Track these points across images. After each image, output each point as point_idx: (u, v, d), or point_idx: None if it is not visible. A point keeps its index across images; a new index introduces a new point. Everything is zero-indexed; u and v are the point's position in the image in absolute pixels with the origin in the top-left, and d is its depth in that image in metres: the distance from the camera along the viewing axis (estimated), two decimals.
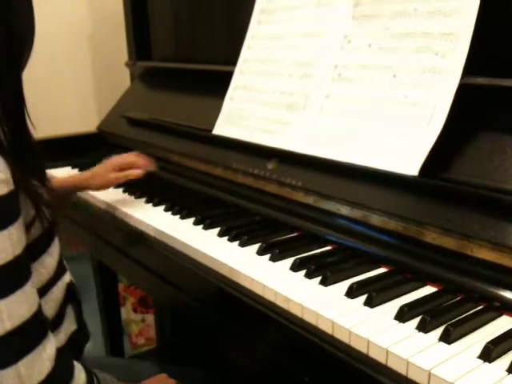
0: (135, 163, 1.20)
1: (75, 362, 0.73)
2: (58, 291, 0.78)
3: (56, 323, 0.77)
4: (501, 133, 0.81)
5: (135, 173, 1.19)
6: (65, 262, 0.83)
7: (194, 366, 1.13)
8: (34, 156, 0.76)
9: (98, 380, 0.76)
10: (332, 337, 0.71)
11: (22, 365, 0.63)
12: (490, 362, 0.62)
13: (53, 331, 0.73)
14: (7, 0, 0.68)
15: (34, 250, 0.71)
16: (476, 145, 0.83)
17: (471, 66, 0.83)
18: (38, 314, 0.66)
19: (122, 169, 1.19)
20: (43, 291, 0.73)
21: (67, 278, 0.82)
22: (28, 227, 0.70)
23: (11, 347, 0.63)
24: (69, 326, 0.81)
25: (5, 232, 0.62)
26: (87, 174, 1.20)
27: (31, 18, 0.74)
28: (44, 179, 0.78)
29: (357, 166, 0.92)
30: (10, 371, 0.62)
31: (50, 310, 0.75)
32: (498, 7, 0.85)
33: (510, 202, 0.74)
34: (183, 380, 0.95)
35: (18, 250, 0.64)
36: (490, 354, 0.62)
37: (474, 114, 0.86)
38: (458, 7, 0.85)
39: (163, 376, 0.93)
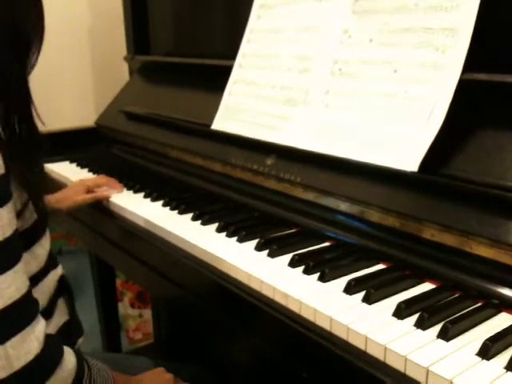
0: (104, 185, 1.26)
1: (65, 346, 0.72)
2: (49, 283, 0.79)
3: (47, 314, 0.77)
4: (501, 129, 0.81)
5: (104, 193, 1.23)
6: (61, 256, 0.84)
7: (191, 362, 1.13)
8: (39, 150, 0.77)
9: (88, 365, 0.75)
10: (330, 333, 0.71)
11: (11, 344, 0.63)
12: (488, 360, 0.62)
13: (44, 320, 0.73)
14: (14, 4, 0.69)
15: (25, 240, 0.72)
16: (476, 141, 0.82)
17: (472, 62, 0.83)
18: (28, 296, 0.67)
19: (90, 191, 1.24)
20: (33, 282, 0.73)
21: (59, 271, 0.84)
22: (18, 215, 0.70)
23: (0, 326, 0.63)
24: (60, 318, 0.82)
25: None
26: (59, 195, 1.23)
27: (40, 22, 0.74)
28: (40, 170, 0.79)
29: (356, 161, 0.92)
30: None
31: (40, 299, 0.75)
32: (498, 2, 0.84)
33: (509, 198, 0.73)
34: (179, 375, 0.94)
35: (9, 231, 0.65)
36: (488, 351, 0.62)
37: (474, 110, 0.85)
38: (459, 2, 0.84)
39: (160, 370, 0.92)
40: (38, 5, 0.75)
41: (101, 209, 1.24)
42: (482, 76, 0.82)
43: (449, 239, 0.78)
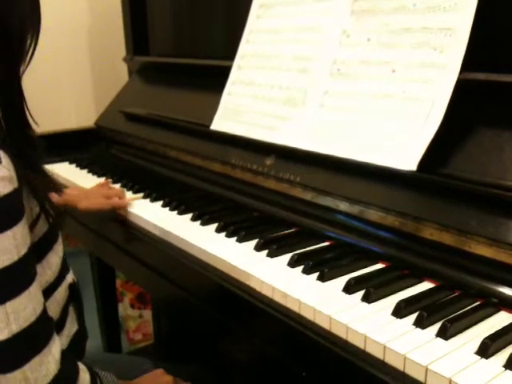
0: (120, 194, 1.22)
1: (79, 363, 0.72)
2: (61, 292, 0.76)
3: (59, 325, 0.76)
4: (499, 128, 0.81)
5: (121, 203, 1.18)
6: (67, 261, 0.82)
7: (191, 362, 1.13)
8: (34, 150, 0.75)
9: (100, 380, 0.75)
10: (329, 332, 0.71)
11: (29, 367, 0.62)
12: (487, 358, 0.62)
13: (57, 333, 0.71)
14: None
15: (39, 249, 0.70)
16: (474, 140, 0.83)
17: (470, 62, 0.83)
18: (44, 315, 0.65)
19: (108, 197, 1.20)
20: (48, 293, 0.72)
21: (70, 277, 0.81)
22: (32, 225, 0.68)
23: (18, 350, 0.61)
24: (71, 327, 0.79)
25: (9, 232, 0.60)
26: (76, 192, 1.21)
27: (34, 13, 0.70)
28: (44, 173, 0.77)
29: (355, 161, 0.92)
30: (16, 374, 0.61)
31: (53, 312, 0.73)
32: (496, 2, 0.84)
33: (508, 198, 0.74)
34: (179, 376, 0.94)
35: (23, 250, 0.62)
36: (487, 349, 0.62)
37: (472, 110, 0.86)
38: (457, 2, 0.85)
39: (160, 372, 0.92)
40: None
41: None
42: (480, 75, 0.82)
43: (448, 238, 0.79)
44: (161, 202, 1.17)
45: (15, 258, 0.61)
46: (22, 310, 0.61)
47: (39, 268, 0.67)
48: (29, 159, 0.72)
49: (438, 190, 0.82)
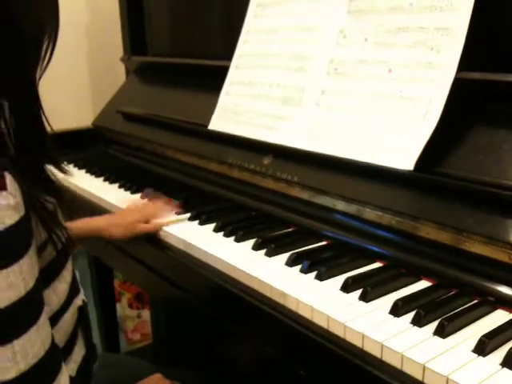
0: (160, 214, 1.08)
1: None
2: (68, 317, 0.71)
3: (67, 351, 0.71)
4: (496, 127, 0.81)
5: (163, 222, 1.05)
6: (78, 281, 0.77)
7: (189, 362, 1.12)
8: (52, 162, 0.70)
9: None
10: (327, 331, 0.71)
11: None
12: (484, 356, 0.62)
13: (64, 360, 0.68)
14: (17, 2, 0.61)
15: (46, 275, 0.65)
16: (471, 140, 0.83)
17: (467, 61, 0.83)
18: (52, 348, 0.61)
19: (146, 220, 1.06)
20: (53, 320, 0.67)
21: (79, 300, 0.75)
22: (41, 250, 0.64)
23: None
24: (79, 351, 0.74)
25: (15, 267, 0.56)
26: (107, 220, 1.08)
27: (52, 20, 0.66)
28: (63, 169, 0.73)
29: (352, 161, 0.92)
30: None
31: (60, 338, 0.69)
32: (493, 2, 0.85)
33: (504, 196, 0.74)
34: (178, 380, 0.93)
35: (31, 283, 0.58)
36: (484, 347, 0.63)
37: (469, 109, 0.86)
38: (454, 2, 0.85)
39: (158, 376, 0.92)
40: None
41: (98, 209, 1.24)
42: (477, 75, 0.82)
43: (445, 237, 0.79)
44: None
45: (22, 292, 0.57)
46: (30, 347, 0.57)
47: (45, 295, 0.63)
48: (40, 176, 0.67)
49: (435, 189, 0.82)
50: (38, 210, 0.62)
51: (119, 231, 1.04)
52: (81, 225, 1.05)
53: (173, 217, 1.08)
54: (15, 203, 0.56)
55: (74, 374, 0.72)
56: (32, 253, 0.59)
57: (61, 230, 0.67)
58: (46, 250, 0.65)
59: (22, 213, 0.57)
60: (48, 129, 0.68)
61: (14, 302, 0.56)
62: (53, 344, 0.62)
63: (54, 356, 0.62)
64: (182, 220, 1.07)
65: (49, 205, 0.67)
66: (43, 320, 0.60)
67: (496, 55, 0.86)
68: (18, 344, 0.56)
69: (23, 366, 0.57)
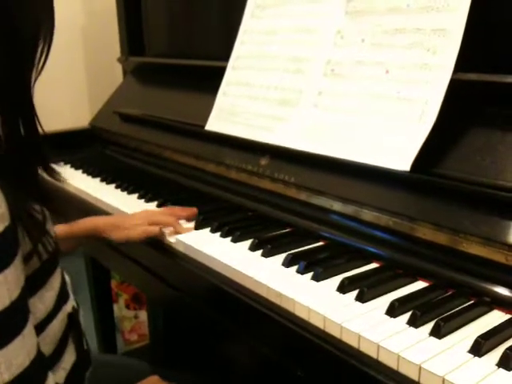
0: (171, 225, 1.02)
1: None
2: (56, 324, 0.69)
3: (55, 359, 0.69)
4: (492, 129, 0.82)
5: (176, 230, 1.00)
6: (68, 287, 0.75)
7: (186, 363, 1.12)
8: (40, 155, 0.69)
9: None
10: (324, 332, 0.71)
11: None
12: (480, 357, 0.62)
13: (51, 368, 0.67)
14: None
15: (33, 283, 0.63)
16: (468, 141, 0.83)
17: (463, 62, 0.83)
18: (38, 358, 0.60)
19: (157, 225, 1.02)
20: (40, 328, 0.65)
21: (68, 307, 0.73)
22: (27, 259, 0.62)
23: None
24: (69, 358, 0.73)
25: (0, 277, 0.55)
26: (109, 221, 1.05)
27: (48, 21, 0.65)
28: (54, 175, 0.71)
29: (349, 161, 0.92)
30: None
31: (47, 346, 0.66)
32: (489, 2, 0.85)
33: (501, 197, 0.74)
34: (175, 382, 0.93)
35: (16, 292, 0.57)
36: (480, 348, 0.63)
37: (465, 110, 0.86)
38: (450, 3, 0.85)
39: (155, 379, 0.91)
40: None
41: (95, 210, 1.24)
42: (473, 76, 0.82)
43: (441, 238, 0.79)
44: (155, 203, 1.17)
45: (7, 302, 0.56)
46: (14, 358, 0.56)
47: (30, 303, 0.61)
48: (31, 182, 0.66)
49: (432, 190, 0.82)
50: (24, 221, 0.61)
51: (118, 232, 1.02)
52: (81, 224, 1.04)
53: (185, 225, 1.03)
54: (0, 213, 0.55)
55: (62, 381, 0.70)
56: (18, 262, 0.58)
57: (48, 240, 0.66)
58: (32, 259, 0.63)
59: (7, 223, 0.56)
60: (40, 131, 0.67)
61: None
62: (38, 353, 0.60)
63: (40, 366, 0.61)
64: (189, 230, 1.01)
65: (37, 214, 0.65)
66: (28, 330, 0.59)
67: (493, 56, 0.86)
68: (1, 355, 0.55)
69: (7, 377, 0.56)
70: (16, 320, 0.57)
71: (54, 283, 0.69)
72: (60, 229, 0.98)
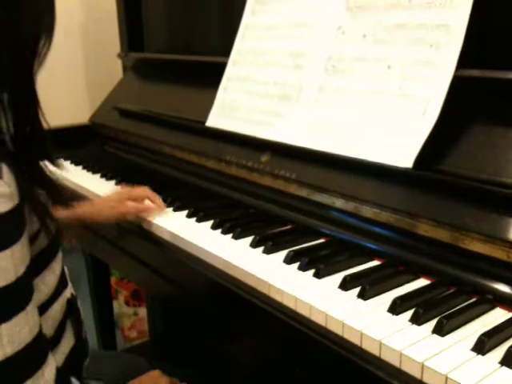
0: (146, 198, 1.09)
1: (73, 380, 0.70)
2: (57, 307, 0.73)
3: (55, 341, 0.72)
4: (495, 125, 0.81)
5: (150, 206, 1.06)
6: (67, 275, 0.79)
7: (186, 359, 1.12)
8: (46, 158, 0.71)
9: None
10: (325, 329, 0.71)
11: None
12: (483, 355, 0.62)
13: (51, 350, 0.68)
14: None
15: (36, 264, 0.67)
16: (470, 137, 0.83)
17: (466, 58, 0.83)
18: (39, 336, 0.62)
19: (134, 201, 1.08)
20: (42, 309, 0.69)
21: (68, 293, 0.77)
22: (33, 239, 0.65)
23: (10, 373, 0.59)
24: (68, 342, 0.76)
25: (7, 252, 0.58)
26: (90, 206, 1.09)
27: (48, 16, 0.66)
28: (56, 164, 0.74)
29: (351, 158, 0.92)
30: None
31: (48, 328, 0.70)
32: None
33: (503, 194, 0.74)
34: (176, 377, 0.93)
35: (21, 269, 0.60)
36: (483, 346, 0.62)
37: (468, 107, 0.86)
38: None
39: (156, 373, 0.91)
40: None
41: None
42: (476, 72, 0.82)
43: (443, 235, 0.79)
44: None
45: (13, 278, 0.58)
46: (17, 332, 0.58)
47: (34, 284, 0.65)
48: (36, 171, 0.68)
49: (434, 187, 0.82)
50: (31, 201, 0.64)
51: (105, 211, 1.06)
52: (66, 213, 1.05)
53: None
54: (10, 192, 0.58)
55: (60, 364, 0.73)
56: (24, 241, 0.61)
57: (51, 222, 0.69)
58: (37, 239, 0.67)
59: (16, 202, 0.59)
60: (45, 125, 0.69)
61: (3, 287, 0.57)
62: (40, 333, 0.63)
63: (41, 345, 0.63)
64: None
65: (41, 197, 0.68)
66: (32, 307, 0.61)
67: (496, 52, 0.85)
68: (5, 328, 0.57)
69: (9, 351, 0.58)
70: (20, 296, 0.60)
71: (56, 267, 0.72)
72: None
